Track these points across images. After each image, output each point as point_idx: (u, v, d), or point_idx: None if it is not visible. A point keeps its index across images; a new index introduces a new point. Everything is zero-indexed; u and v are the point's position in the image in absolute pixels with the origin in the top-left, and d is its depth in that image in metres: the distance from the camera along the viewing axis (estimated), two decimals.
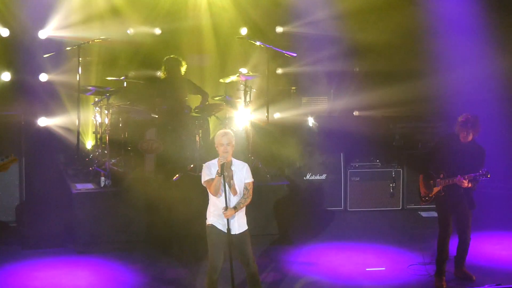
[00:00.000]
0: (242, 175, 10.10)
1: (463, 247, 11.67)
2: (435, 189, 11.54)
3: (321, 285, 11.63)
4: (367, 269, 12.23)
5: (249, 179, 10.16)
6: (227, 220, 9.87)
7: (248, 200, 10.08)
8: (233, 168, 10.00)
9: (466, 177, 11.21)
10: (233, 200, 9.94)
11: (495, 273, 11.96)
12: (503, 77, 15.51)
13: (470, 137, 11.42)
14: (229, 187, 9.91)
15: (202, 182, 10.07)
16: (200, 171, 13.12)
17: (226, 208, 9.83)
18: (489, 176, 11.14)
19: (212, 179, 9.90)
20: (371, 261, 12.59)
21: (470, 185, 11.27)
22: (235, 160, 10.09)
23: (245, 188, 10.09)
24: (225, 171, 9.85)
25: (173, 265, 12.36)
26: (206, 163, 10.14)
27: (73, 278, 11.83)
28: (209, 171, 10.04)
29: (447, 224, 11.58)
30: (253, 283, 10.17)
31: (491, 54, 15.53)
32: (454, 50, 15.58)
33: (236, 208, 9.90)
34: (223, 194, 9.89)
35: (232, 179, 9.96)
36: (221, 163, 9.83)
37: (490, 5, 15.45)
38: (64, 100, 15.11)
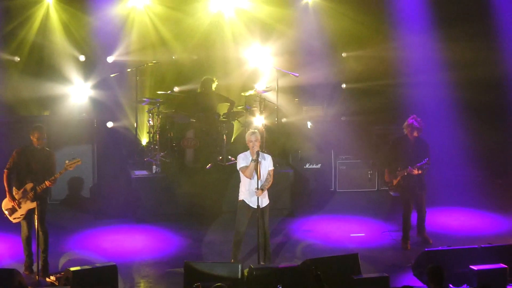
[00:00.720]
0: (267, 163, 10.29)
1: (421, 219, 11.78)
2: (395, 180, 11.67)
3: (316, 247, 11.72)
4: (351, 235, 12.33)
5: (271, 167, 10.37)
6: (257, 197, 10.07)
7: (270, 183, 10.31)
8: (260, 158, 10.13)
9: (414, 167, 11.35)
10: (259, 183, 10.08)
11: (446, 238, 11.96)
12: (453, 86, 15.51)
13: (415, 133, 11.52)
14: (257, 172, 10.07)
15: (238, 168, 10.27)
16: (227, 162, 13.51)
17: (258, 188, 10.03)
18: (429, 164, 11.37)
19: (247, 166, 10.10)
20: (354, 228, 12.66)
21: (420, 172, 11.39)
22: (261, 152, 10.24)
23: (268, 173, 10.29)
24: (256, 159, 10.02)
25: (207, 231, 12.43)
26: (241, 154, 10.33)
27: (133, 240, 12.04)
28: (244, 160, 10.23)
29: (407, 203, 11.70)
30: (265, 242, 10.35)
31: (444, 71, 15.56)
32: (415, 71, 15.58)
33: (263, 190, 10.10)
34: (255, 177, 10.07)
35: (259, 167, 10.10)
36: (256, 151, 10.03)
37: (445, 30, 15.46)
38: (125, 108, 15.09)
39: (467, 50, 15.38)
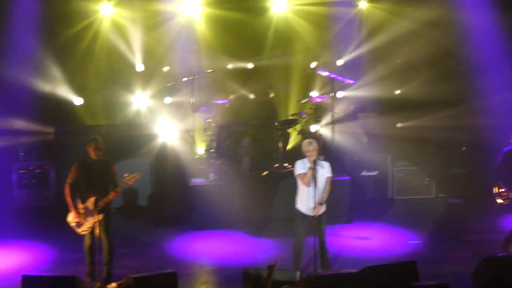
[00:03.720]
0: (325, 171, 10.23)
1: None
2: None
3: (374, 254, 11.63)
4: (409, 242, 12.18)
5: (329, 174, 10.29)
6: (313, 205, 10.02)
7: (329, 192, 10.23)
8: (318, 166, 10.10)
9: None
10: (316, 193, 10.03)
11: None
12: None
13: None
14: (314, 180, 10.02)
15: (296, 174, 10.20)
16: (282, 169, 13.50)
17: (315, 207, 10.00)
18: None
19: (305, 173, 10.06)
20: (412, 235, 12.52)
21: None
22: (319, 160, 10.21)
23: (326, 181, 10.21)
24: (314, 167, 9.97)
25: (264, 238, 12.45)
26: (298, 161, 10.23)
27: (191, 248, 12.12)
28: (302, 166, 10.17)
29: None
30: (322, 249, 10.31)
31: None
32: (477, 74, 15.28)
33: (321, 204, 10.08)
34: (312, 185, 9.98)
35: (317, 174, 10.03)
36: (313, 159, 9.98)
37: None
38: (182, 117, 15.18)
39: None
